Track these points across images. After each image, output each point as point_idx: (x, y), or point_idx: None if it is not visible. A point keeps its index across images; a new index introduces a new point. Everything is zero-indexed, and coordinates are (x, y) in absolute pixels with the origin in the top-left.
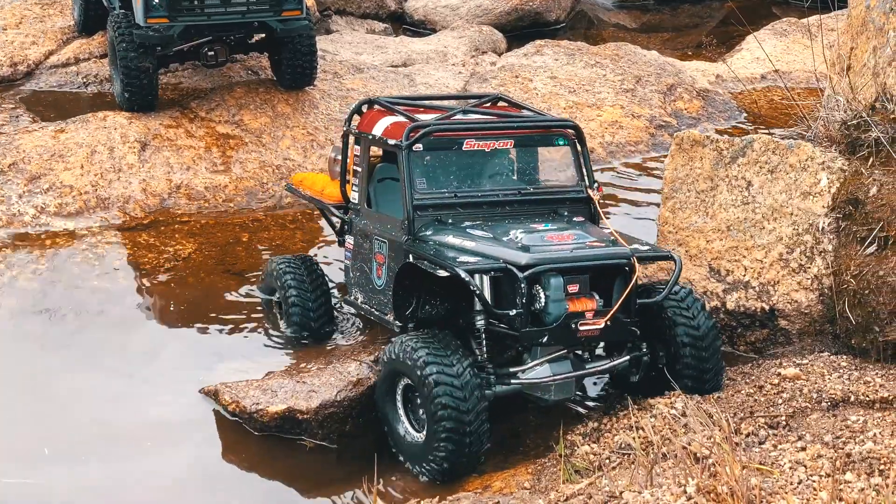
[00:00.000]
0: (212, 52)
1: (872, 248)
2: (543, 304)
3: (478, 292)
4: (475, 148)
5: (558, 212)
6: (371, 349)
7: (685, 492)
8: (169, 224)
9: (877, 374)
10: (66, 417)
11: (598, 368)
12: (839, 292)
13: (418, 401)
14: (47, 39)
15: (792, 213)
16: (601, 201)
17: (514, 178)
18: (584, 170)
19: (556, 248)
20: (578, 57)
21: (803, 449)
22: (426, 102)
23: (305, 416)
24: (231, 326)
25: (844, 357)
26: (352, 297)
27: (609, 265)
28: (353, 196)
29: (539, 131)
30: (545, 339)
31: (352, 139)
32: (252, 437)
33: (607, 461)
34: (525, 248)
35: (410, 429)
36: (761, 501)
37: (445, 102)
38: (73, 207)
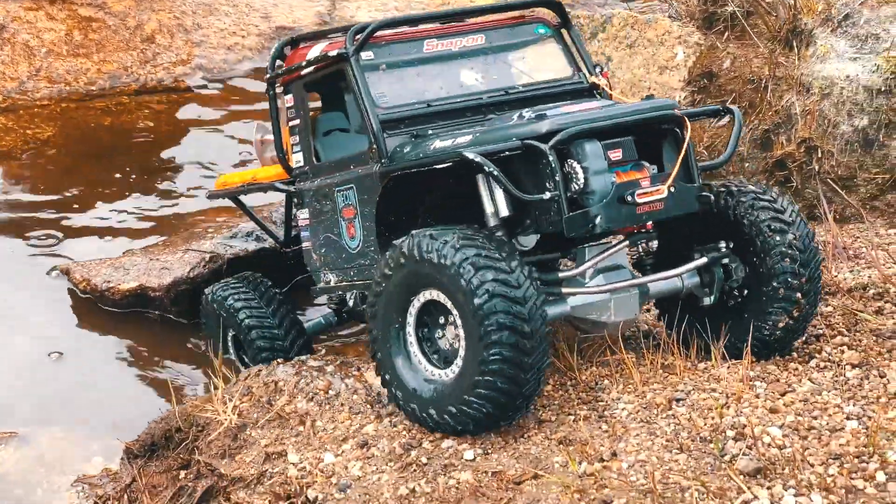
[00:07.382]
0: None
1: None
2: (583, 180)
3: (496, 173)
4: (439, 49)
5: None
6: (230, 224)
7: None
8: (28, 108)
9: None
10: None
11: (667, 275)
12: None
13: (448, 320)
14: None
15: (650, 88)
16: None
17: (496, 76)
18: (579, 54)
19: (581, 114)
20: None
21: None
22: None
23: (157, 294)
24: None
25: None
26: (322, 283)
27: (652, 120)
28: (297, 159)
29: (511, 19)
30: (598, 220)
31: (279, 90)
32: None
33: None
34: (540, 117)
35: (426, 363)
36: None
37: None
38: None
